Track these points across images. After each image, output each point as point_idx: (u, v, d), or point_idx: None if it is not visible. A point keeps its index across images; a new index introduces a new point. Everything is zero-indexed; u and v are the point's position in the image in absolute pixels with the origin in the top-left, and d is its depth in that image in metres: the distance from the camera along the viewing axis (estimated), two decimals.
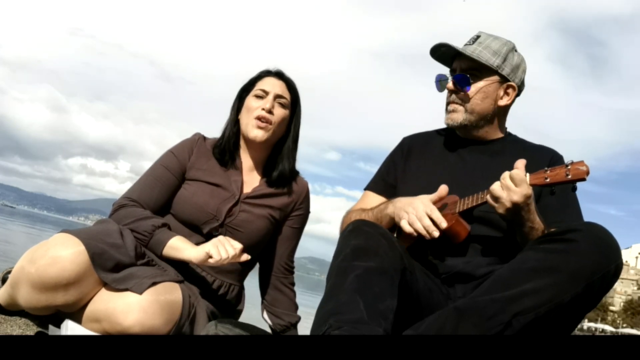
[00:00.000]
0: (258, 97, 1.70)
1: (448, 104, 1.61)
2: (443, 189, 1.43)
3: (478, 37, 1.57)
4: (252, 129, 1.67)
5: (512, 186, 1.28)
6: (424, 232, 1.34)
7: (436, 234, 1.33)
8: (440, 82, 1.63)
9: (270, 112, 1.67)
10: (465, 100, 1.56)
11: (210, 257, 1.43)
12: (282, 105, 1.71)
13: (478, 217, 1.46)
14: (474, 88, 1.55)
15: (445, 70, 1.64)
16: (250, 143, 1.72)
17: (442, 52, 1.60)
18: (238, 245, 1.48)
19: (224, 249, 1.45)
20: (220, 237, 1.50)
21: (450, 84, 1.58)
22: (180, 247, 1.49)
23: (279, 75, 1.76)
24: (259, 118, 1.67)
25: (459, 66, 1.57)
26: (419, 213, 1.36)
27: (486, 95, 1.55)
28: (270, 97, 1.69)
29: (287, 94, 1.73)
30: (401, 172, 1.68)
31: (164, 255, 1.50)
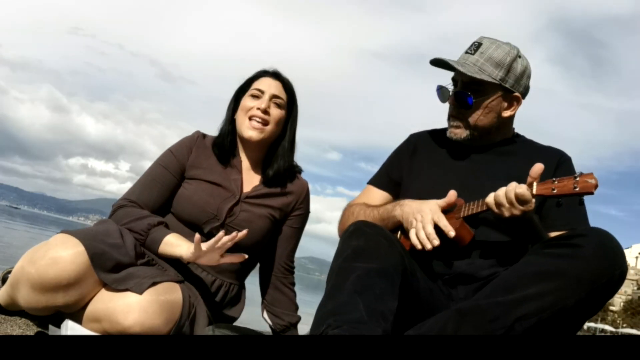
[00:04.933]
0: (254, 96, 1.70)
1: (450, 116, 1.56)
2: (452, 194, 1.39)
3: (480, 44, 1.50)
4: (247, 130, 1.67)
5: (516, 204, 1.26)
6: (425, 242, 1.31)
7: (436, 242, 1.30)
8: (442, 92, 1.57)
9: (266, 112, 1.66)
10: (467, 116, 1.52)
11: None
12: (278, 106, 1.70)
13: (482, 219, 1.44)
14: (476, 105, 1.49)
15: (447, 76, 1.58)
16: (246, 143, 1.72)
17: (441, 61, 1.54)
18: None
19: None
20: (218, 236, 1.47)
21: (451, 99, 1.53)
22: (173, 243, 1.48)
23: (276, 75, 1.75)
24: (254, 117, 1.67)
25: (460, 78, 1.51)
26: (425, 220, 1.34)
27: (489, 110, 1.51)
28: (266, 97, 1.68)
29: (283, 94, 1.72)
30: (407, 170, 1.66)
31: (160, 253, 1.50)
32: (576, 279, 1.11)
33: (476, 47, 1.50)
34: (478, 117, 1.51)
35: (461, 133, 1.54)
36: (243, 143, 1.74)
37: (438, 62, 1.54)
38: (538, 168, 1.28)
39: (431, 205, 1.38)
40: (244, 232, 1.45)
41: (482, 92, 1.49)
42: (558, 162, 1.53)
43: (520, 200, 1.25)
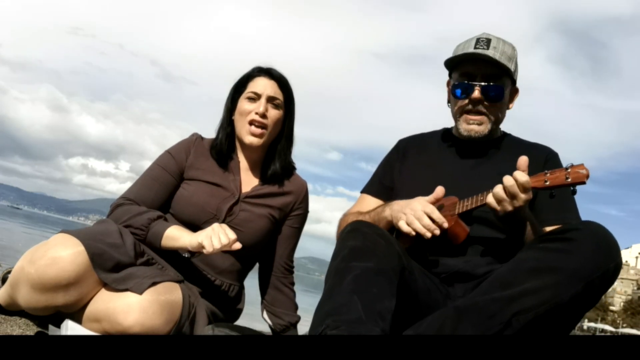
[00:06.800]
0: (250, 99, 1.68)
1: (469, 112, 1.54)
2: (439, 190, 1.41)
3: (489, 40, 1.51)
4: (247, 135, 1.66)
5: (519, 194, 1.26)
6: (423, 230, 1.32)
7: (437, 231, 1.32)
8: (464, 87, 1.53)
9: (264, 115, 1.65)
10: (493, 110, 1.53)
11: (203, 247, 1.41)
12: (276, 106, 1.69)
13: (477, 217, 1.46)
14: (504, 98, 1.53)
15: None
16: (245, 145, 1.72)
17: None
18: (232, 235, 1.45)
19: (217, 238, 1.42)
20: (215, 226, 1.47)
21: (477, 94, 1.50)
22: (177, 235, 1.48)
23: (270, 74, 1.72)
24: (253, 122, 1.66)
25: (481, 72, 1.51)
26: (417, 213, 1.35)
27: (505, 103, 1.56)
28: (262, 100, 1.66)
29: (279, 94, 1.70)
30: (398, 174, 1.68)
31: (163, 247, 1.50)
32: (571, 273, 1.12)
33: (486, 42, 1.51)
34: (501, 111, 1.56)
35: (483, 130, 1.54)
36: (242, 145, 1.74)
37: (460, 57, 1.52)
38: (523, 160, 1.29)
39: (420, 200, 1.40)
40: (238, 246, 1.45)
41: (503, 85, 1.53)
42: (546, 158, 1.55)
43: (526, 187, 1.25)
